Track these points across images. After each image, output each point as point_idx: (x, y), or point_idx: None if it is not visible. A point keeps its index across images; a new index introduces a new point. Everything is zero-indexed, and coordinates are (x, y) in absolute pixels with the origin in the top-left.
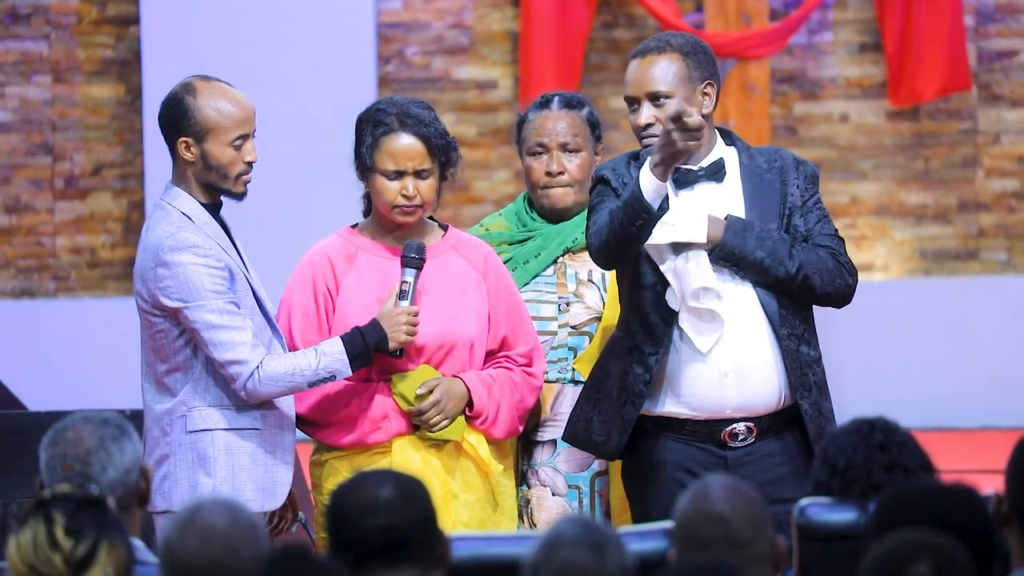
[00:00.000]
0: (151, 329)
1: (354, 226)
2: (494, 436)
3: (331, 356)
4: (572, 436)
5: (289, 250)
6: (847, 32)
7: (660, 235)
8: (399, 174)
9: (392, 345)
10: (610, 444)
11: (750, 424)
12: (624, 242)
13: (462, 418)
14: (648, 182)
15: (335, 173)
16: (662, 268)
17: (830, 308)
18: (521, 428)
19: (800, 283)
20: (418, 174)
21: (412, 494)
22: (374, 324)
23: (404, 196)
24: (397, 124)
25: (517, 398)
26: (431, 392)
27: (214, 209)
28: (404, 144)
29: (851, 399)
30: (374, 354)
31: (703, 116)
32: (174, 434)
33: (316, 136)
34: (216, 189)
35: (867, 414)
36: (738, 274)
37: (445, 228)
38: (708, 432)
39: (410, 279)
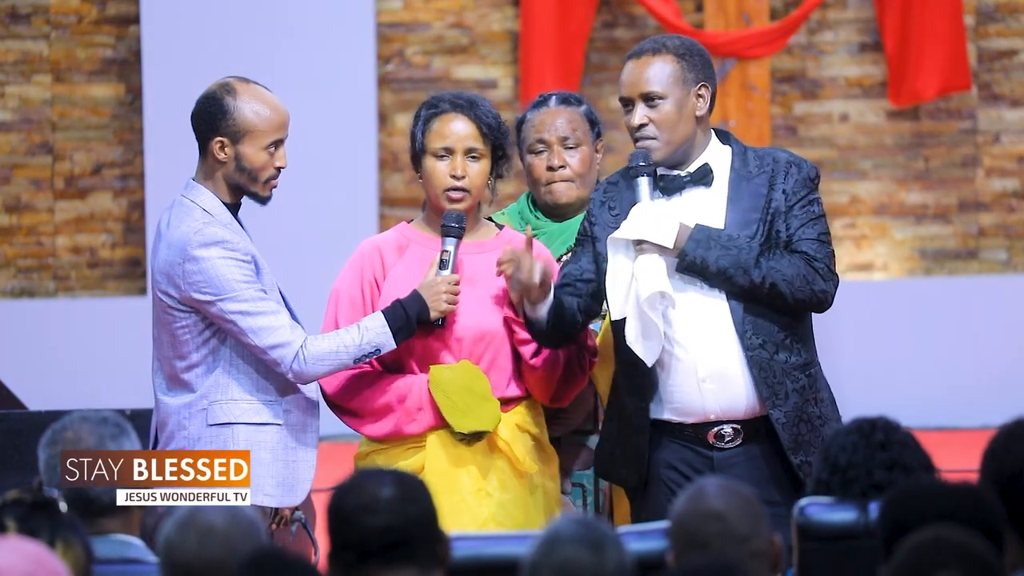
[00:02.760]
0: (173, 325)
1: (410, 221)
2: (537, 364)
3: (374, 330)
4: (604, 471)
5: (286, 248)
6: (847, 32)
7: (628, 232)
8: (448, 152)
9: (433, 315)
10: (632, 479)
11: (736, 426)
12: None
13: (496, 408)
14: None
15: (335, 172)
16: (609, 267)
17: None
18: (561, 384)
19: (768, 291)
20: (468, 154)
21: (413, 493)
22: (415, 295)
23: (453, 177)
24: (449, 106)
25: (572, 354)
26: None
27: (234, 209)
28: (454, 123)
29: (851, 399)
30: (416, 326)
31: (697, 118)
32: (193, 427)
33: (316, 135)
34: (242, 190)
35: (868, 414)
36: (706, 282)
37: (501, 227)
38: (696, 434)
39: (450, 248)
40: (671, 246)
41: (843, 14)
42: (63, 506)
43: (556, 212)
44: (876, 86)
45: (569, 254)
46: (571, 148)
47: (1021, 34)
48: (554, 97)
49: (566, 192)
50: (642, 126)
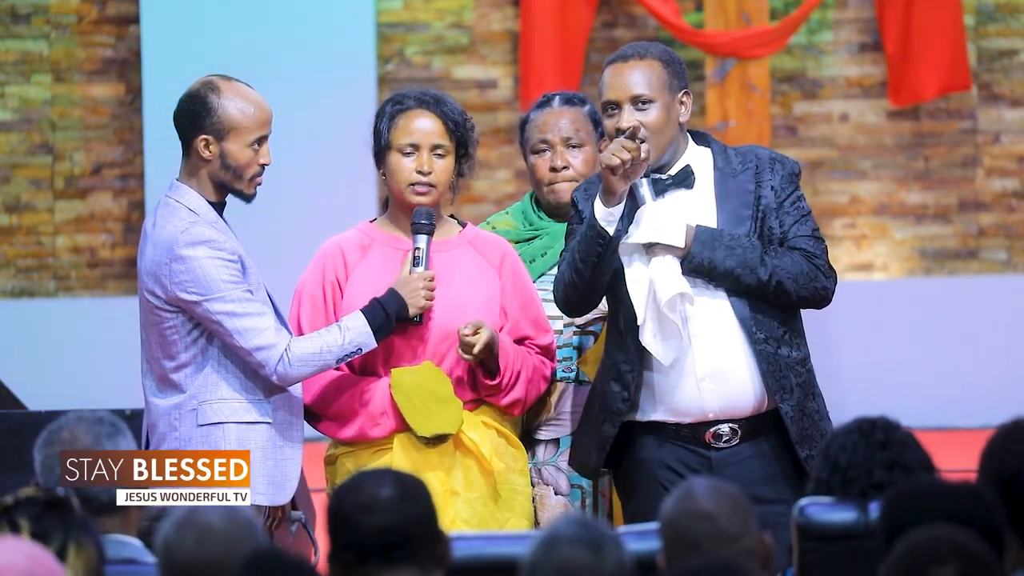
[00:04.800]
0: (160, 325)
1: (372, 220)
2: (501, 403)
3: (355, 330)
4: (573, 459)
5: (286, 248)
6: (847, 32)
7: (639, 235)
8: (414, 148)
9: (412, 311)
10: (591, 462)
11: (734, 425)
12: (587, 278)
13: (459, 410)
14: (600, 209)
15: (335, 172)
16: (628, 272)
17: (829, 307)
18: (525, 406)
19: (774, 289)
20: (434, 150)
21: (412, 493)
22: (392, 293)
23: (419, 172)
24: (414, 103)
25: (532, 375)
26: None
27: (219, 208)
28: (420, 119)
29: (851, 399)
30: (395, 323)
31: (679, 124)
32: (183, 428)
33: (316, 136)
34: (227, 188)
35: (869, 414)
36: (711, 282)
37: (464, 225)
38: (693, 434)
39: (422, 245)
40: (683, 246)
41: (843, 14)
42: (76, 505)
43: (559, 212)
44: (876, 86)
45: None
46: (574, 148)
47: (1021, 34)
48: (558, 97)
49: (569, 192)
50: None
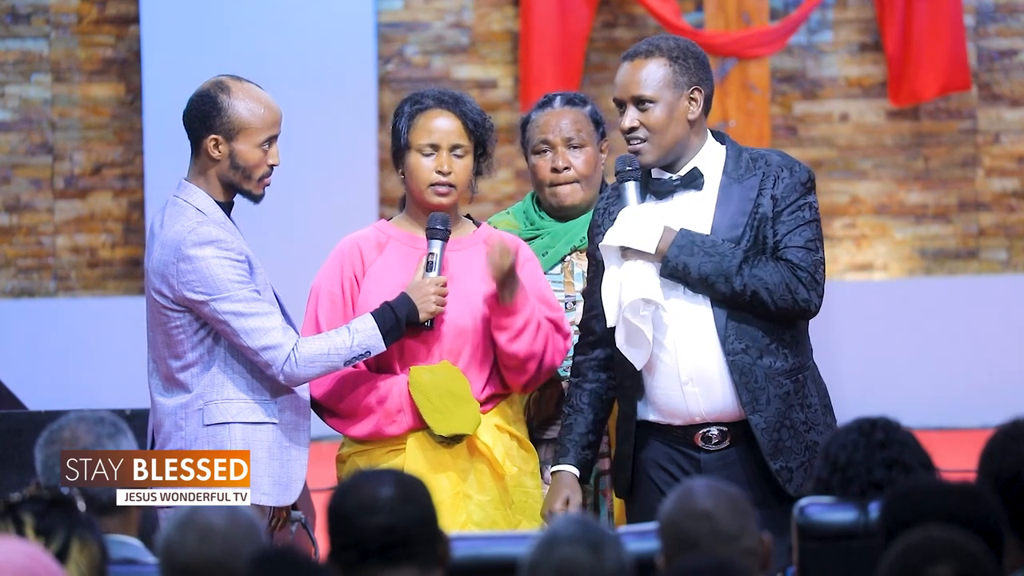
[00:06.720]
0: (167, 325)
1: (389, 219)
2: (516, 352)
3: (364, 333)
4: (615, 485)
5: (286, 247)
6: (847, 32)
7: (613, 238)
8: (434, 148)
9: (422, 316)
10: (623, 486)
11: (723, 428)
12: None
13: (476, 411)
14: None
15: (335, 172)
16: (605, 275)
17: (829, 307)
18: (537, 370)
19: (749, 299)
20: (453, 150)
21: (412, 493)
22: (403, 297)
23: (439, 172)
24: (433, 102)
25: (548, 334)
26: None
27: (227, 208)
28: (440, 119)
29: (851, 399)
30: (405, 327)
31: (689, 122)
32: (189, 427)
33: (316, 135)
34: (236, 189)
35: (869, 414)
36: (689, 287)
37: (478, 224)
38: (684, 435)
39: (436, 251)
40: (653, 251)
41: (843, 14)
42: (81, 505)
43: (560, 212)
44: (876, 86)
45: (574, 253)
46: (575, 148)
47: (1021, 34)
48: (559, 97)
49: (571, 195)
50: (632, 129)
